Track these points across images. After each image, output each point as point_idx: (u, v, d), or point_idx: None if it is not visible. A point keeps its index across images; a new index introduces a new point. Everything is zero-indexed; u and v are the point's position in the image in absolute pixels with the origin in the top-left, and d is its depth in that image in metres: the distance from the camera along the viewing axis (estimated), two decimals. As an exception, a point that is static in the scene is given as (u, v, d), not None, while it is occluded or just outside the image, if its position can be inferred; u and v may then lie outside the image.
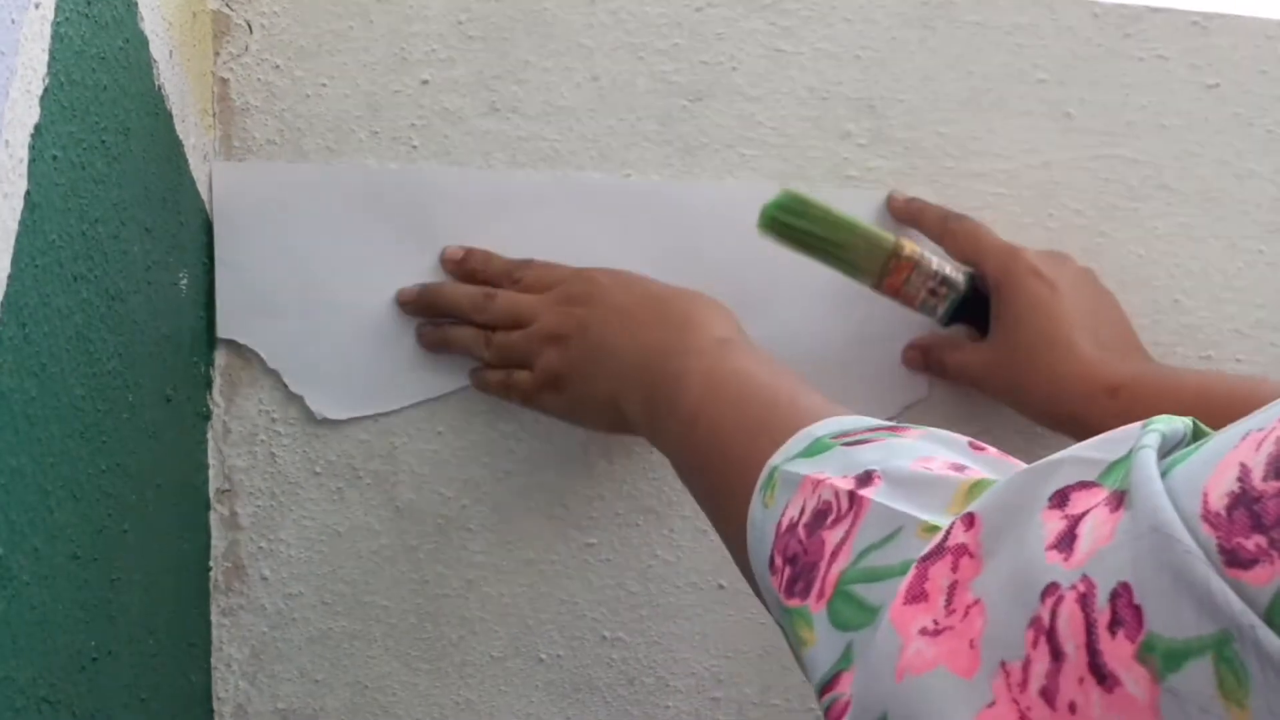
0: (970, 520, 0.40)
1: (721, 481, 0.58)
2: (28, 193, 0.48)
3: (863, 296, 0.77)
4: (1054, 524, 0.37)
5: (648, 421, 0.70)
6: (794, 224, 0.73)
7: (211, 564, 0.79)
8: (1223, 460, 0.33)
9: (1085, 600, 0.34)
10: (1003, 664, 0.36)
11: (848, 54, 0.78)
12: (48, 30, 0.50)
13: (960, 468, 0.47)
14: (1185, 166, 0.81)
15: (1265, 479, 0.32)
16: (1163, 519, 0.33)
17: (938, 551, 0.41)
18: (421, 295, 0.78)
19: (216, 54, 0.74)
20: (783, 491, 0.51)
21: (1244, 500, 0.32)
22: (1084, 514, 0.36)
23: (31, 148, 0.49)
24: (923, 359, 0.80)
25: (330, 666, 0.81)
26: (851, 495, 0.47)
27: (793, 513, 0.50)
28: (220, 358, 0.77)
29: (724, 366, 0.65)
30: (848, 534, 0.46)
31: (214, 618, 0.80)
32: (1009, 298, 0.74)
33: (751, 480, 0.54)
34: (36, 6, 0.49)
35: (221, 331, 0.76)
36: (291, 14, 0.74)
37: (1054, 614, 0.35)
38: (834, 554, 0.46)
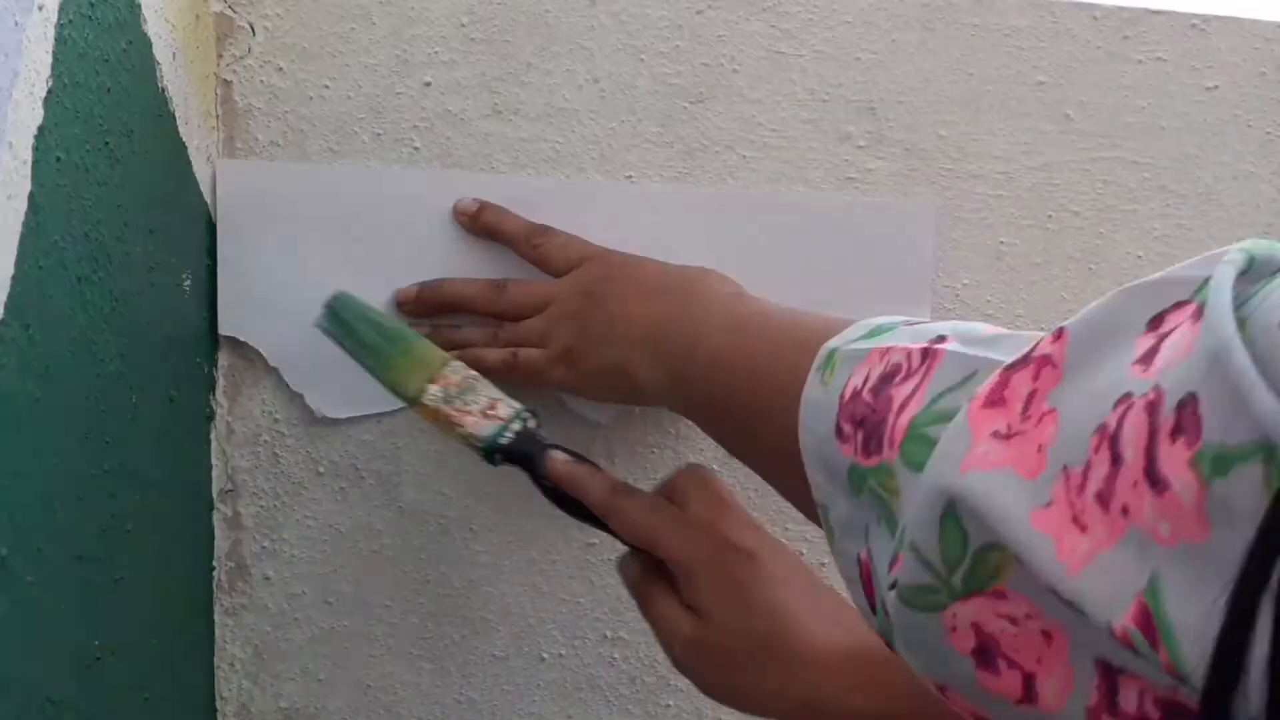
0: (1059, 334, 0.40)
1: (755, 409, 0.56)
2: (31, 194, 0.48)
3: (862, 307, 0.77)
4: (1145, 343, 0.37)
5: (664, 382, 0.68)
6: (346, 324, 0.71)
7: (215, 564, 0.79)
8: None
9: (1153, 407, 0.34)
10: (1065, 468, 0.36)
11: (848, 56, 0.79)
12: (51, 33, 0.50)
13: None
14: (1184, 168, 0.81)
15: None
16: (1224, 332, 0.33)
17: (1023, 361, 0.41)
18: (422, 293, 0.76)
19: (220, 56, 0.74)
20: (844, 367, 0.50)
21: None
22: (1172, 330, 0.36)
23: (35, 150, 0.49)
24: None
25: (333, 666, 0.81)
26: (925, 351, 0.46)
27: (856, 381, 0.48)
28: (223, 358, 0.77)
29: (741, 311, 0.65)
30: (919, 385, 0.45)
31: (217, 617, 0.80)
32: (705, 580, 0.64)
33: (793, 393, 0.51)
34: (40, 9, 0.49)
35: (223, 328, 0.76)
36: (294, 16, 0.75)
37: (1121, 421, 0.35)
38: (903, 405, 0.45)
